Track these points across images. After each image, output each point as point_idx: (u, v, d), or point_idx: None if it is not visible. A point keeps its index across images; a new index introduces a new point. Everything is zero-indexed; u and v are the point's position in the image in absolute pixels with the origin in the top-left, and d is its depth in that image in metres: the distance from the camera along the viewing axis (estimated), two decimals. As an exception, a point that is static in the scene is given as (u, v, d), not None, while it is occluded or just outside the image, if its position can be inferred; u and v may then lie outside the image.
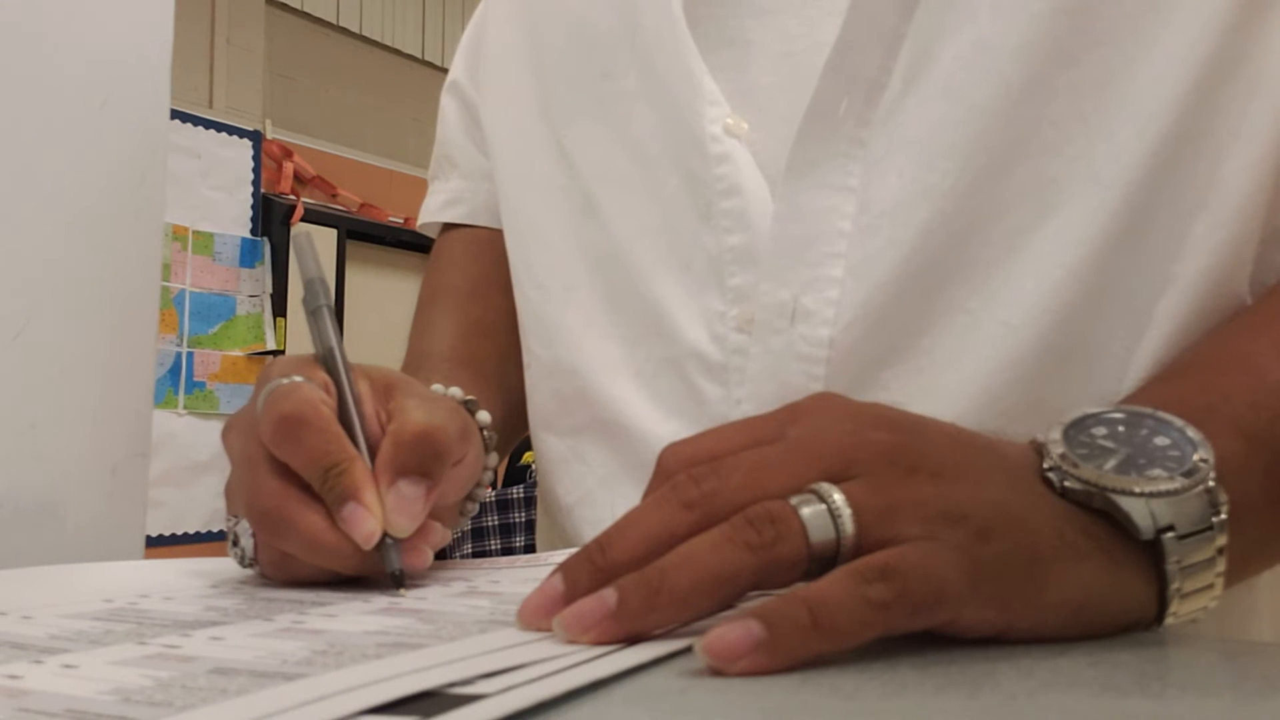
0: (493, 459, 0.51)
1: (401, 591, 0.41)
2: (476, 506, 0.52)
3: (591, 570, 0.32)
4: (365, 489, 0.41)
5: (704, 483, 0.33)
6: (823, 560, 0.31)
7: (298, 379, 0.43)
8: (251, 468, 0.43)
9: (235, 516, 0.45)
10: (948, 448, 0.34)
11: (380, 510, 0.41)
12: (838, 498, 0.31)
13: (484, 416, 0.51)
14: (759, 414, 0.36)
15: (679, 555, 0.31)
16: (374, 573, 0.43)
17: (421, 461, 0.43)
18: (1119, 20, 0.46)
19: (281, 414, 0.42)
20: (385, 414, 0.45)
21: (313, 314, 0.47)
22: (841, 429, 0.34)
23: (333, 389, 0.45)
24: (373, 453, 0.43)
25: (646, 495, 0.35)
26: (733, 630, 0.28)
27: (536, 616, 0.32)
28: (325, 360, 0.46)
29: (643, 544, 0.32)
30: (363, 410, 0.45)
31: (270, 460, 0.42)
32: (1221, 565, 0.34)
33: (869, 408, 0.35)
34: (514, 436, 0.66)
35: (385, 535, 0.41)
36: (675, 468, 0.35)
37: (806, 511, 0.31)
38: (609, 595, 0.30)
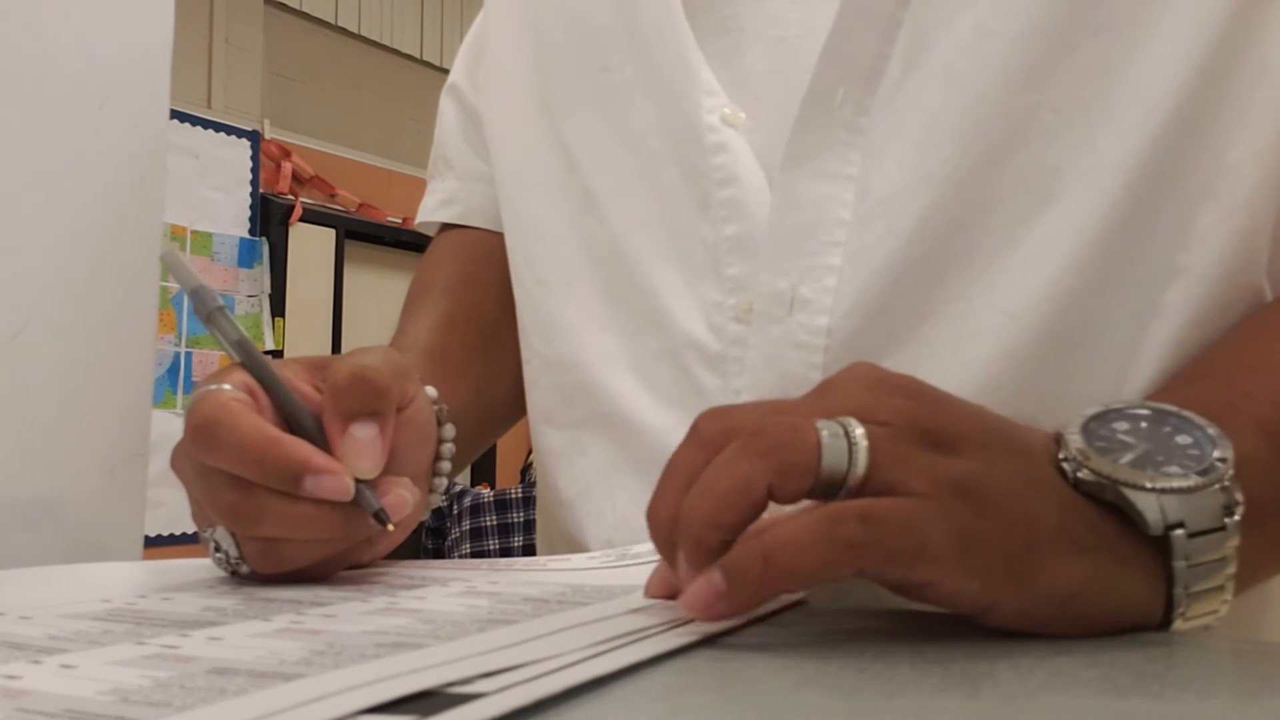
0: (449, 431, 0.50)
1: (390, 527, 0.42)
2: (444, 482, 0.51)
3: (654, 535, 0.35)
4: (311, 457, 0.41)
5: (723, 419, 0.34)
6: (829, 486, 0.32)
7: (210, 387, 0.43)
8: (205, 477, 0.42)
9: (209, 527, 0.44)
10: (968, 423, 0.34)
11: (338, 464, 0.42)
12: (859, 431, 0.32)
13: (430, 390, 0.50)
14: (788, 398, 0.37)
15: (700, 486, 0.33)
16: (360, 540, 0.44)
17: (364, 401, 0.43)
18: (1120, 6, 0.46)
19: (194, 425, 0.42)
20: (321, 382, 0.45)
21: (209, 319, 0.46)
22: (869, 393, 0.34)
23: (256, 385, 0.44)
24: (318, 423, 0.44)
25: (677, 451, 0.36)
26: (700, 585, 0.32)
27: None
28: (239, 356, 0.45)
29: (674, 494, 0.34)
30: (297, 388, 0.45)
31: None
32: (1233, 567, 0.33)
33: (896, 377, 0.36)
34: (484, 429, 0.66)
35: (356, 481, 0.42)
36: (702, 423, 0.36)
37: (825, 433, 0.32)
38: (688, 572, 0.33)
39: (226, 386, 0.43)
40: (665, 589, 0.37)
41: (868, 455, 0.32)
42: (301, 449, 0.42)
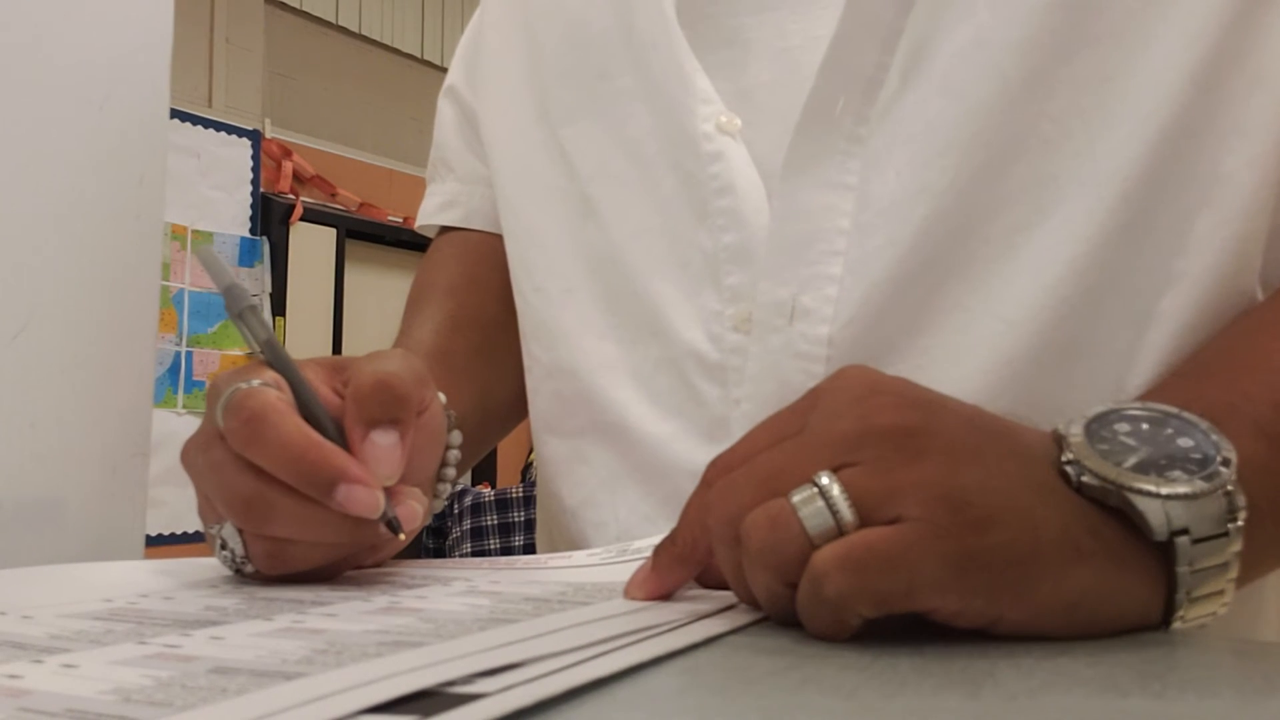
0: (456, 437, 0.50)
1: (401, 536, 0.43)
2: (448, 487, 0.51)
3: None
4: (348, 466, 0.41)
5: (718, 508, 0.35)
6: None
7: (255, 382, 0.43)
8: (221, 471, 0.42)
9: (217, 524, 0.44)
10: (962, 430, 0.34)
11: (372, 479, 0.42)
12: (836, 490, 0.32)
13: (441, 396, 0.50)
14: (782, 409, 0.37)
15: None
16: (366, 545, 0.44)
17: (385, 408, 0.43)
18: (1118, 16, 0.46)
19: (244, 418, 0.42)
20: (341, 385, 0.45)
21: (239, 316, 0.46)
22: (854, 413, 0.34)
23: (283, 383, 0.44)
24: (338, 426, 0.44)
25: (687, 506, 0.37)
26: None
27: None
28: (266, 355, 0.45)
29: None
30: (318, 390, 0.45)
31: (240, 459, 0.42)
32: (1234, 571, 0.33)
33: (888, 386, 0.35)
34: (487, 432, 0.66)
35: None
36: (712, 478, 0.37)
37: (805, 510, 0.32)
38: None
39: (256, 383, 0.43)
40: (648, 590, 0.38)
41: (851, 507, 0.31)
42: (339, 456, 0.42)
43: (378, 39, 4.14)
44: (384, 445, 0.43)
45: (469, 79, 0.70)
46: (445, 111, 0.72)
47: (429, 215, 0.72)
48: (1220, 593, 0.33)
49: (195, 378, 3.39)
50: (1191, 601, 0.33)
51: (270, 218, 3.63)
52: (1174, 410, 0.36)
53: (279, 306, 3.64)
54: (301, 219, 3.71)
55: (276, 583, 0.44)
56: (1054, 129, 0.46)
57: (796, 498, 0.32)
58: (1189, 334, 0.46)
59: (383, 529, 0.42)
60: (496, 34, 0.65)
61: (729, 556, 0.34)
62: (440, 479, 0.51)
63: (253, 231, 3.59)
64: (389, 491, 0.43)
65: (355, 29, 4.06)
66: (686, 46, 0.53)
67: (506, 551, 2.96)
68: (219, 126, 3.52)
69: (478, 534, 3.04)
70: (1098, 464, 0.33)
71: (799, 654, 0.30)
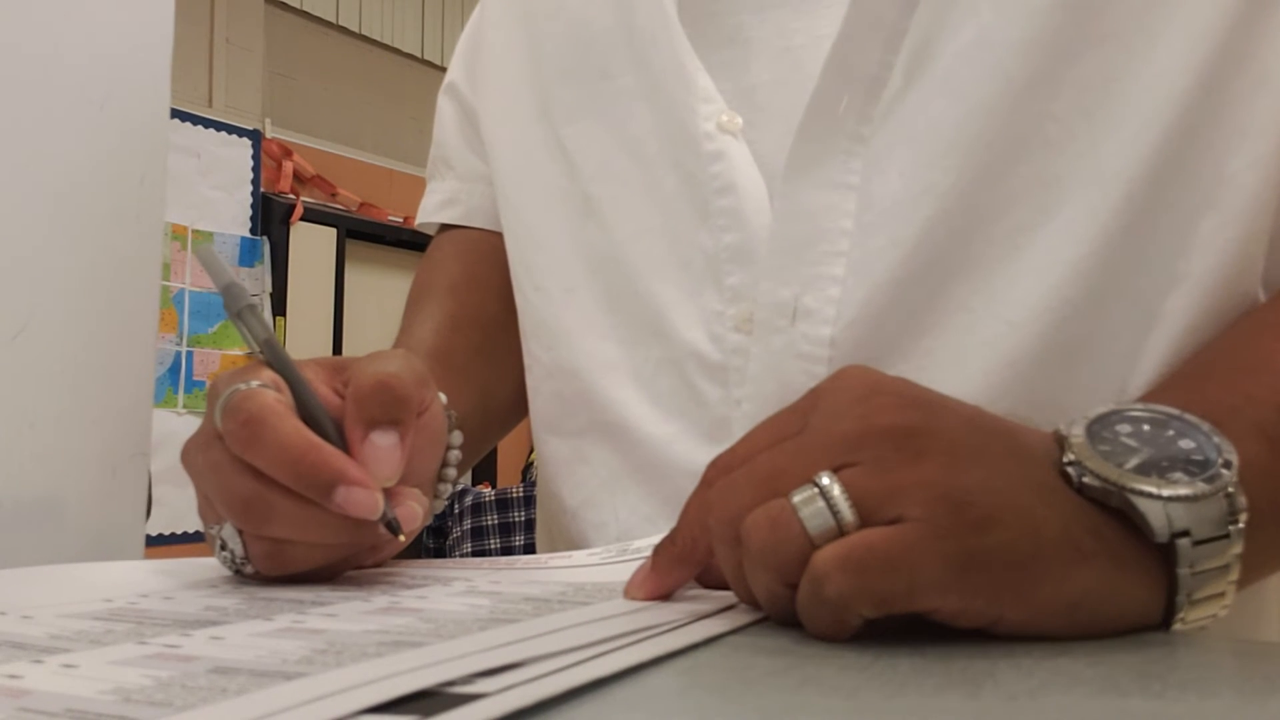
0: (456, 438, 0.50)
1: (401, 537, 0.42)
2: (449, 487, 0.51)
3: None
4: (346, 468, 0.41)
5: (718, 508, 0.35)
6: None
7: (254, 384, 0.43)
8: (221, 472, 0.42)
9: (216, 524, 0.44)
10: (963, 431, 0.34)
11: (371, 481, 0.42)
12: (837, 491, 0.32)
13: (442, 396, 0.50)
14: (781, 410, 0.37)
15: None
16: (366, 546, 0.44)
17: (386, 409, 0.43)
18: (1122, 16, 0.46)
19: (241, 420, 0.42)
20: (341, 385, 0.45)
21: (238, 316, 0.46)
22: (854, 414, 0.34)
23: (283, 384, 0.44)
24: (338, 427, 0.44)
25: (686, 506, 0.37)
26: None
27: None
28: (266, 355, 0.45)
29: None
30: (318, 390, 0.45)
31: (239, 460, 0.42)
32: (1235, 573, 0.33)
33: (889, 386, 0.35)
34: (488, 432, 0.66)
35: None
36: (712, 477, 0.36)
37: (805, 510, 0.32)
38: None
39: (255, 384, 0.43)
40: (648, 590, 0.37)
41: (851, 507, 0.31)
42: (338, 459, 0.41)
43: (378, 39, 4.14)
44: (384, 446, 0.43)
45: (469, 77, 0.70)
46: (445, 109, 0.72)
47: (429, 213, 0.72)
48: (1221, 595, 0.33)
49: (195, 378, 3.40)
50: (1192, 604, 0.33)
51: (270, 218, 3.63)
52: (1176, 412, 0.36)
53: (279, 306, 3.64)
54: (302, 219, 3.71)
55: (276, 583, 0.44)
56: (1057, 129, 0.46)
57: (797, 498, 0.32)
58: (1191, 335, 0.46)
59: (382, 530, 0.42)
60: (497, 32, 0.65)
61: (729, 556, 0.34)
62: (441, 479, 0.50)
63: (253, 231, 3.59)
64: (389, 492, 0.43)
65: (355, 29, 4.06)
66: (688, 45, 0.53)
67: (507, 551, 2.96)
68: (219, 126, 3.52)
69: (478, 534, 3.04)
70: (1099, 465, 0.33)
71: (799, 654, 0.30)
